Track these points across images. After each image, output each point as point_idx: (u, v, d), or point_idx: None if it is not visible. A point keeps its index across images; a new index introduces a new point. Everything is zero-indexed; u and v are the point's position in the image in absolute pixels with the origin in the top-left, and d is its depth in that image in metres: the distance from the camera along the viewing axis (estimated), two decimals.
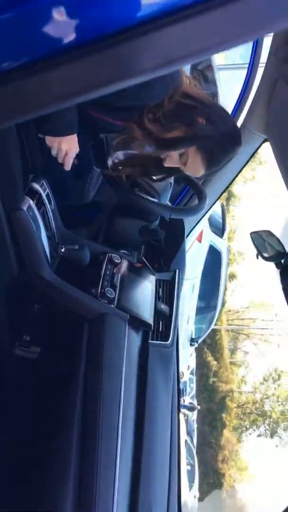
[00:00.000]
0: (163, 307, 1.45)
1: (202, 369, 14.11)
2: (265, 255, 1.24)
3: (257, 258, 1.28)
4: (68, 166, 1.25)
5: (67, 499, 0.90)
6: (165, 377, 1.29)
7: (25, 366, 1.36)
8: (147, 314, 1.36)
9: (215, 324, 8.12)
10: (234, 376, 17.08)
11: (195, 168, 1.25)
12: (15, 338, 1.40)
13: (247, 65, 1.80)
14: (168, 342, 1.35)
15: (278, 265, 1.24)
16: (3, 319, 1.35)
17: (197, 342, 6.97)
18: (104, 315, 1.24)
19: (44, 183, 1.30)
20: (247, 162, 1.74)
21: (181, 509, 1.19)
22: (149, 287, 1.47)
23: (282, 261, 1.24)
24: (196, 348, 7.94)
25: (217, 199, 1.84)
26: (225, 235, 6.88)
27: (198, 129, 1.17)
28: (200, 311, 6.45)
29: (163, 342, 1.33)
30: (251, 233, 1.35)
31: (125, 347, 1.22)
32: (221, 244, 6.59)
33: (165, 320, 1.42)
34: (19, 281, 1.28)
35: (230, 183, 1.79)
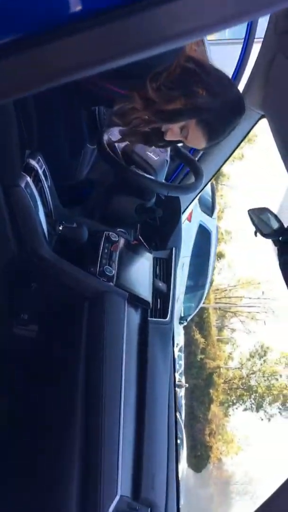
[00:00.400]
0: (161, 285, 1.46)
1: (190, 347, 14.37)
2: (264, 232, 1.24)
3: (255, 235, 1.28)
4: None
5: (72, 472, 0.92)
6: (164, 353, 1.31)
7: (24, 344, 1.36)
8: (145, 292, 1.36)
9: (203, 303, 8.22)
10: (221, 353, 17.44)
11: (197, 141, 1.23)
12: (13, 316, 1.40)
13: (236, 40, 1.76)
14: (167, 319, 1.36)
15: (276, 242, 1.25)
16: (1, 295, 1.34)
17: (186, 320, 7.05)
18: (104, 293, 1.24)
19: (40, 159, 1.27)
20: (244, 138, 1.72)
21: (179, 480, 1.23)
22: (147, 265, 1.47)
23: (280, 238, 1.24)
24: (184, 326, 8.05)
25: (213, 176, 1.83)
26: (215, 214, 6.89)
27: (198, 101, 1.15)
28: (189, 289, 6.50)
29: (162, 319, 1.34)
30: (248, 210, 1.35)
31: (125, 324, 1.23)
32: (210, 223, 6.60)
33: (163, 297, 1.43)
34: (17, 259, 1.27)
35: (226, 160, 1.77)
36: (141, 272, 1.43)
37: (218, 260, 15.05)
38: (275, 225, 1.22)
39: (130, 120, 1.22)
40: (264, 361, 17.50)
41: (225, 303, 18.34)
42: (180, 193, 1.64)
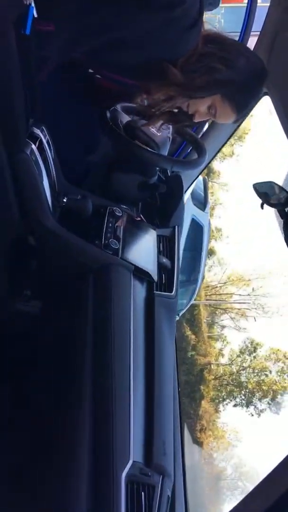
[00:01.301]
0: (165, 260, 1.44)
1: (181, 343, 14.40)
2: (271, 202, 1.24)
3: (262, 207, 1.28)
4: None
5: (84, 438, 0.90)
6: (170, 326, 1.30)
7: (28, 320, 1.34)
8: (150, 266, 1.35)
9: (194, 299, 8.24)
10: (212, 349, 17.52)
11: (226, 115, 1.24)
12: (15, 292, 1.37)
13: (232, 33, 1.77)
14: (172, 293, 1.34)
15: (282, 214, 1.25)
16: (3, 271, 1.31)
17: (178, 315, 7.06)
18: (110, 265, 1.22)
19: (44, 128, 1.24)
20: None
21: (184, 449, 1.23)
22: (151, 241, 1.45)
23: (286, 209, 1.24)
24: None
25: (215, 155, 1.82)
26: (207, 208, 6.91)
27: (219, 75, 1.15)
28: (181, 284, 6.46)
29: (168, 293, 1.33)
30: (254, 184, 1.34)
31: (132, 297, 1.21)
32: (203, 217, 6.62)
33: (167, 273, 1.42)
34: (20, 230, 1.24)
35: (228, 139, 1.77)
36: (145, 247, 1.42)
37: (208, 257, 15.14)
38: (282, 195, 1.22)
39: (157, 104, 1.24)
40: (254, 357, 17.64)
41: (215, 300, 18.43)
42: (184, 168, 1.63)
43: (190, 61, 1.16)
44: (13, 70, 0.96)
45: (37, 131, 1.20)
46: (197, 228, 6.44)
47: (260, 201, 1.35)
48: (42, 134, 1.22)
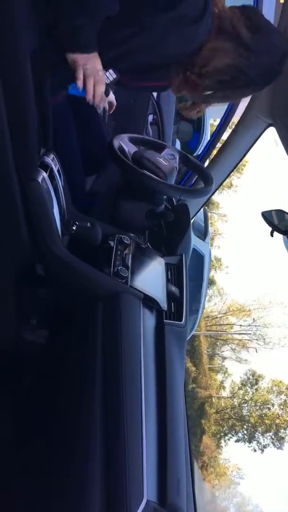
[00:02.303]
0: (174, 289, 1.43)
1: None
2: (282, 229, 1.24)
3: (272, 235, 1.28)
4: (98, 102, 1.17)
5: (96, 476, 0.85)
6: (180, 358, 1.26)
7: (34, 350, 1.31)
8: (160, 294, 1.33)
9: (195, 330, 8.15)
10: (213, 382, 17.20)
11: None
12: (21, 321, 1.34)
13: None
14: (182, 322, 1.32)
15: None
16: (10, 300, 1.29)
17: None
18: (120, 293, 1.20)
19: (55, 157, 1.26)
20: (251, 146, 1.74)
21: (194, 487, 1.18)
22: (159, 269, 1.44)
23: None
24: None
25: (221, 183, 1.84)
26: (208, 238, 6.94)
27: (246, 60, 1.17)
28: None
29: (178, 322, 1.30)
30: (262, 212, 1.35)
31: (142, 326, 1.19)
32: (203, 247, 6.63)
33: (176, 301, 1.40)
34: (29, 257, 1.23)
35: (235, 167, 1.79)
36: (154, 275, 1.40)
37: (209, 287, 15.10)
38: None
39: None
40: (256, 389, 17.30)
41: (216, 331, 18.25)
42: (192, 196, 1.64)
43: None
44: (28, 101, 0.97)
45: (48, 160, 1.21)
46: (198, 258, 6.43)
47: (267, 228, 1.35)
48: (53, 163, 1.23)
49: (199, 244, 6.42)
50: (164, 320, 1.27)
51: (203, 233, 6.76)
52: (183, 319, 1.33)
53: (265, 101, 1.65)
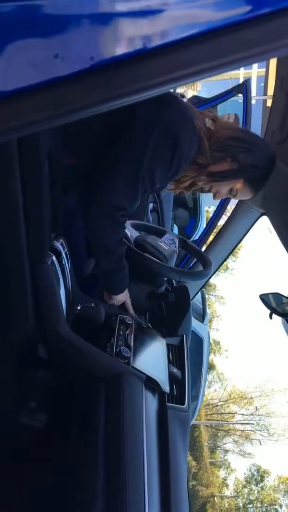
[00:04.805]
0: (175, 371, 1.42)
1: None
2: (281, 312, 1.27)
3: (271, 317, 1.31)
4: (131, 311, 1.52)
5: None
6: (183, 444, 1.22)
7: (32, 435, 1.26)
8: (162, 376, 1.32)
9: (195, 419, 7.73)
10: (215, 479, 15.85)
11: (244, 196, 1.40)
12: (20, 404, 1.32)
13: None
14: (185, 406, 1.29)
15: None
16: (9, 383, 1.28)
17: None
18: (122, 374, 1.20)
19: (63, 242, 1.34)
20: (245, 234, 1.85)
21: None
22: (161, 350, 1.45)
23: None
24: None
25: (217, 268, 1.91)
26: (206, 320, 6.89)
27: (244, 163, 1.30)
28: None
29: (180, 406, 1.28)
30: (260, 295, 1.40)
31: (144, 409, 1.17)
32: (202, 329, 6.55)
33: (178, 383, 1.38)
34: (31, 338, 1.25)
35: (231, 252, 1.88)
36: (156, 356, 1.41)
37: (208, 371, 14.61)
38: None
39: (184, 184, 1.41)
40: (262, 487, 15.89)
41: (217, 420, 17.25)
42: (192, 279, 1.70)
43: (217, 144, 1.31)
44: (44, 192, 1.07)
45: (57, 244, 1.29)
46: (196, 341, 6.32)
47: (266, 311, 1.39)
48: (61, 247, 1.30)
49: (198, 326, 6.35)
50: (167, 404, 1.25)
51: (201, 315, 6.72)
52: (186, 402, 1.30)
53: (258, 194, 1.79)
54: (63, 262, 1.30)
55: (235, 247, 1.87)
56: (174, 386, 1.36)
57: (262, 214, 1.81)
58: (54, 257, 1.22)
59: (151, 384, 1.27)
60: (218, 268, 1.93)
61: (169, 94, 1.32)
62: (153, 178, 1.28)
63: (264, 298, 1.36)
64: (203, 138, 1.31)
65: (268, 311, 1.35)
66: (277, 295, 1.35)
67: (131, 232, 1.70)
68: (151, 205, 2.42)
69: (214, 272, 1.92)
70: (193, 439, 14.87)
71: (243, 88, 2.29)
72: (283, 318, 1.27)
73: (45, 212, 1.10)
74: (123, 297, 1.51)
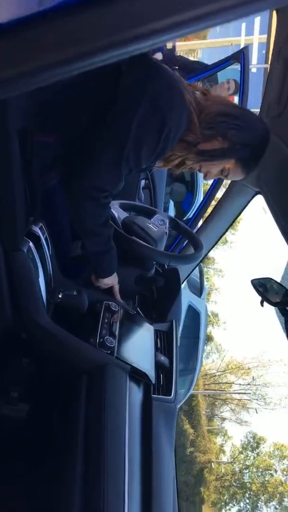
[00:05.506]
0: (163, 358, 1.37)
1: (179, 438, 13.42)
2: (272, 300, 1.21)
3: (262, 305, 1.25)
4: (117, 297, 1.45)
5: None
6: (168, 436, 1.18)
7: (13, 426, 1.23)
8: (148, 366, 1.27)
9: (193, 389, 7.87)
10: (212, 445, 16.33)
11: (236, 176, 1.32)
12: (1, 394, 1.28)
13: None
14: (171, 397, 1.25)
15: (283, 312, 1.21)
16: None
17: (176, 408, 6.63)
18: (105, 366, 1.15)
19: (43, 226, 1.26)
20: (239, 213, 1.77)
21: None
22: (148, 337, 1.39)
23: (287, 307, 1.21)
24: None
25: (210, 249, 1.84)
26: (204, 294, 6.89)
27: (236, 141, 1.22)
28: (179, 373, 6.21)
29: (166, 397, 1.24)
30: (252, 280, 1.33)
31: (127, 401, 1.13)
32: (199, 304, 6.55)
33: (165, 372, 1.34)
34: (11, 327, 1.19)
35: (224, 233, 1.80)
36: (142, 345, 1.36)
37: (206, 343, 14.80)
38: (281, 292, 1.20)
39: (173, 162, 1.31)
40: (258, 454, 16.41)
41: (214, 390, 17.62)
42: (182, 263, 1.63)
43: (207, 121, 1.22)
44: (15, 174, 0.99)
45: (36, 229, 1.21)
46: (194, 315, 6.33)
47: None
48: (40, 232, 1.23)
49: (195, 301, 6.35)
50: (152, 395, 1.21)
51: (199, 289, 6.71)
52: (172, 393, 1.26)
53: (253, 172, 1.70)
54: (42, 248, 1.23)
55: (229, 227, 1.79)
56: (161, 374, 1.32)
57: (257, 193, 1.72)
58: (31, 244, 1.14)
59: (136, 375, 1.22)
60: (210, 250, 1.86)
61: (155, 63, 1.21)
62: (138, 158, 1.19)
63: (256, 283, 1.30)
64: (192, 113, 1.21)
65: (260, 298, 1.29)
66: (268, 281, 1.28)
67: (118, 213, 1.62)
68: (142, 182, 2.32)
69: (206, 255, 1.85)
70: (191, 408, 15.23)
71: (241, 56, 2.14)
72: (274, 306, 1.21)
73: (17, 196, 1.01)
74: (111, 280, 1.44)
